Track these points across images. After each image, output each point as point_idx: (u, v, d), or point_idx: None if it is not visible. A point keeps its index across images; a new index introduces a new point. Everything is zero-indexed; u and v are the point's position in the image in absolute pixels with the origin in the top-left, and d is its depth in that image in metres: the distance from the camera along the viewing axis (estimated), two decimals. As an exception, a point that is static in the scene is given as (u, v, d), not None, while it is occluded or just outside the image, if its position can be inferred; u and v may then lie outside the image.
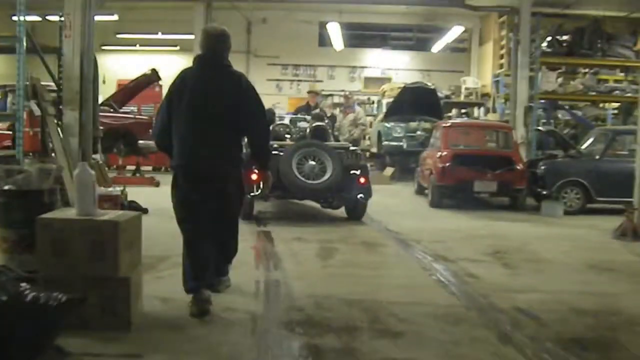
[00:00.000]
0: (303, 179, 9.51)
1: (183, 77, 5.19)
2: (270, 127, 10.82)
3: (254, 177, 8.83)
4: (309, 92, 17.36)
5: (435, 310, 5.44)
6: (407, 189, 15.17)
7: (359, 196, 9.85)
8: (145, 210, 9.96)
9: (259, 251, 7.76)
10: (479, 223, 10.57)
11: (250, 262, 6.96)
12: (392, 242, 8.77)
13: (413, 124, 17.56)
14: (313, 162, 9.63)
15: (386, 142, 17.73)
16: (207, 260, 5.17)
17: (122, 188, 10.16)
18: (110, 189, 10.00)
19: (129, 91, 16.16)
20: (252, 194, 9.25)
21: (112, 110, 15.32)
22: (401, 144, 17.42)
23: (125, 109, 16.51)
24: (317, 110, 13.79)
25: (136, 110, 17.98)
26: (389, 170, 17.33)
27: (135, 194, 10.33)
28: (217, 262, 5.42)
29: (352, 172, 9.82)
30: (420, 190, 14.24)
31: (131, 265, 4.73)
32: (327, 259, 7.56)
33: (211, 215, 5.14)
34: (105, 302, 4.51)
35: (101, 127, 11.58)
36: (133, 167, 15.25)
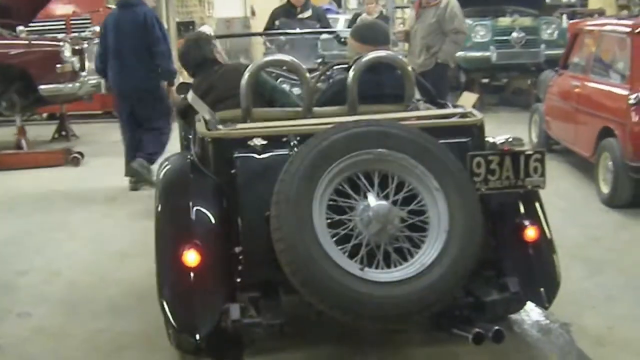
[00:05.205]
0: (355, 265, 2.94)
1: (108, 17, 6.90)
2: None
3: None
4: None
5: None
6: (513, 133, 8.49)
7: (531, 295, 3.25)
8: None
9: None
10: None
11: None
12: None
13: (504, 20, 10.95)
14: (381, 202, 3.05)
15: (462, 52, 10.96)
16: (136, 141, 6.86)
17: None
18: None
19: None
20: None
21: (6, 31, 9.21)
22: (488, 53, 10.77)
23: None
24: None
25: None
26: (469, 98, 10.63)
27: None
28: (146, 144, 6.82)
29: (503, 220, 3.33)
30: (547, 144, 7.80)
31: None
32: None
33: (141, 116, 6.88)
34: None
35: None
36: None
